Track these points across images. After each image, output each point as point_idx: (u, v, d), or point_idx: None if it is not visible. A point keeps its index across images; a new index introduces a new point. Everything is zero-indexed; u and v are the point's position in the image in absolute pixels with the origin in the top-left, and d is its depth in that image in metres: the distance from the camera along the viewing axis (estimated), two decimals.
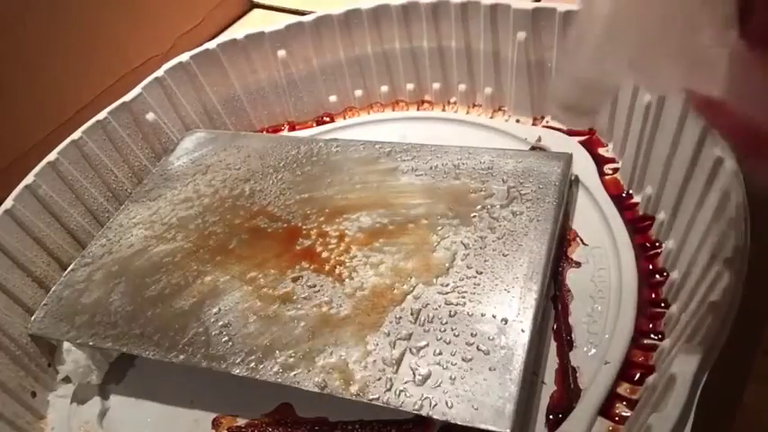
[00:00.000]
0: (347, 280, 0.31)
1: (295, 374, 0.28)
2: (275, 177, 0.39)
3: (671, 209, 0.31)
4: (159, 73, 0.44)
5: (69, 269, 0.37)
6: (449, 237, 0.32)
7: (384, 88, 0.46)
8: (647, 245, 0.32)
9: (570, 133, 0.40)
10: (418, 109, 0.46)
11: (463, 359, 0.27)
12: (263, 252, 0.34)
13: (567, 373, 0.29)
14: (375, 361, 0.27)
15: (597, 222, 0.34)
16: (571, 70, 0.18)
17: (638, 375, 0.27)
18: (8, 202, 0.36)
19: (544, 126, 0.41)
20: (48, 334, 0.34)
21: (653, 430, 0.19)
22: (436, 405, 0.26)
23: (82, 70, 0.48)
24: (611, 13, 0.16)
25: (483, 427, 0.25)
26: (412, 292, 0.30)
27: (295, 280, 0.32)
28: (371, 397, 0.26)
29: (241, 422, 0.31)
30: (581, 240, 0.34)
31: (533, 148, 0.39)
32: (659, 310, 0.30)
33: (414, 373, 0.27)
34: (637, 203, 0.34)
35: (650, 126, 0.32)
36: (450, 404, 0.25)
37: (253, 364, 0.29)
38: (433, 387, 0.26)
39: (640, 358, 0.28)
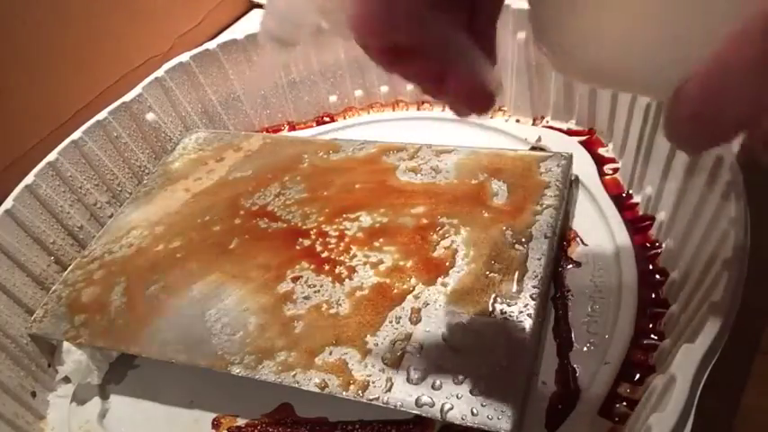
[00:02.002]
0: (347, 280, 0.31)
1: (295, 374, 0.28)
2: (275, 177, 0.39)
3: (671, 209, 0.31)
4: (159, 73, 0.44)
5: (69, 269, 0.37)
6: (449, 236, 0.32)
7: (384, 88, 0.46)
8: (647, 245, 0.32)
9: (570, 133, 0.40)
10: (418, 109, 0.46)
11: (463, 359, 0.27)
12: (263, 252, 0.34)
13: (567, 373, 0.29)
14: (375, 361, 0.27)
15: (597, 222, 0.34)
16: (273, 3, 0.20)
17: (638, 375, 0.27)
18: (8, 202, 0.36)
19: (544, 126, 0.41)
20: (48, 334, 0.34)
21: (653, 430, 0.19)
22: (436, 405, 0.26)
23: (82, 70, 0.48)
24: None
25: (483, 427, 0.25)
26: (412, 291, 0.30)
27: (295, 280, 0.32)
28: (371, 397, 0.26)
29: (241, 422, 0.31)
30: (581, 240, 0.34)
31: (533, 148, 0.39)
32: (659, 310, 0.29)
33: (413, 374, 0.27)
34: (637, 203, 0.34)
35: (650, 126, 0.32)
36: (450, 404, 0.25)
37: (253, 364, 0.29)
38: (433, 387, 0.26)
39: (640, 358, 0.28)
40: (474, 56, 0.19)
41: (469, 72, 0.19)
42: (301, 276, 0.32)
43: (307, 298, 0.31)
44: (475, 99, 0.20)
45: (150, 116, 0.43)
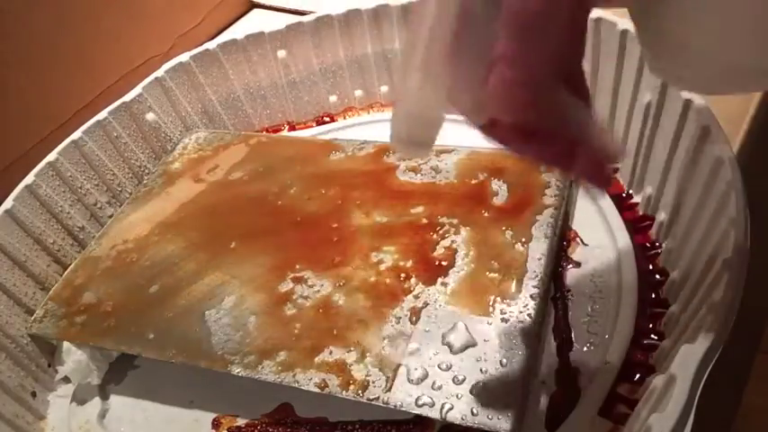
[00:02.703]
0: (347, 280, 0.31)
1: (295, 374, 0.28)
2: (275, 177, 0.39)
3: (671, 209, 0.31)
4: (159, 73, 0.44)
5: (69, 269, 0.37)
6: (449, 236, 0.32)
7: (384, 88, 0.46)
8: (647, 245, 0.32)
9: None
10: None
11: (463, 359, 0.27)
12: (263, 252, 0.34)
13: (567, 373, 0.29)
14: (375, 361, 0.28)
15: (597, 222, 0.34)
16: (401, 106, 0.19)
17: (638, 375, 0.27)
18: (8, 202, 0.36)
19: None
20: (48, 334, 0.34)
21: (653, 430, 0.19)
22: (436, 405, 0.26)
23: (82, 70, 0.48)
24: (427, 55, 0.17)
25: (483, 427, 0.25)
26: (412, 291, 0.30)
27: (295, 280, 0.32)
28: (371, 397, 0.26)
29: (241, 422, 0.31)
30: (581, 240, 0.34)
31: None
32: (659, 310, 0.29)
33: (413, 374, 0.27)
34: (637, 203, 0.34)
35: (650, 126, 0.32)
36: (450, 404, 0.25)
37: (253, 364, 0.29)
38: (433, 387, 0.26)
39: (640, 358, 0.28)
40: (598, 131, 0.19)
41: (596, 150, 0.19)
42: (301, 276, 0.32)
43: (307, 298, 0.31)
44: (601, 175, 0.20)
45: (150, 116, 0.43)
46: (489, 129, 0.19)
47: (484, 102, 0.17)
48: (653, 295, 0.30)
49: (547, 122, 0.18)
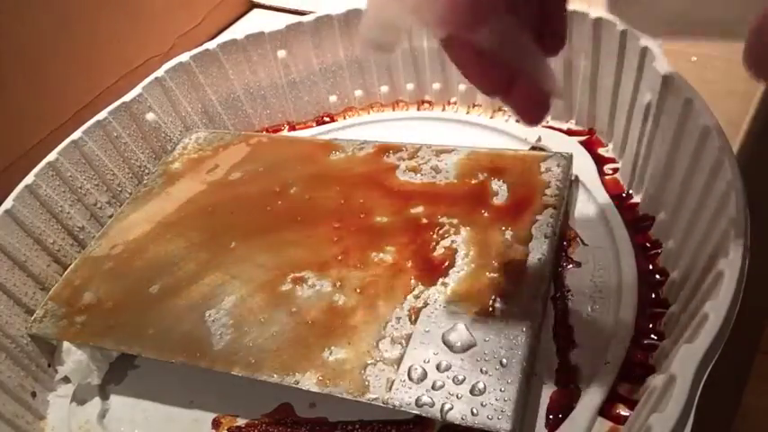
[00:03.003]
0: (347, 280, 0.31)
1: (295, 374, 0.28)
2: (275, 177, 0.39)
3: (671, 209, 0.31)
4: (159, 73, 0.44)
5: (69, 269, 0.37)
6: (449, 236, 0.32)
7: (384, 88, 0.46)
8: (647, 245, 0.32)
9: (570, 133, 0.40)
10: (418, 109, 0.46)
11: (463, 359, 0.27)
12: (263, 252, 0.34)
13: (567, 373, 0.29)
14: (375, 361, 0.28)
15: (597, 222, 0.34)
16: (371, 11, 0.21)
17: (638, 375, 0.27)
18: (8, 202, 0.36)
19: (544, 126, 0.41)
20: (48, 334, 0.34)
21: (653, 430, 0.19)
22: (436, 405, 0.26)
23: (82, 70, 0.48)
24: None
25: (483, 427, 0.25)
26: (412, 291, 0.30)
27: (295, 280, 0.32)
28: (371, 397, 0.26)
29: (241, 422, 0.31)
30: (581, 240, 0.34)
31: (533, 148, 0.39)
32: (659, 310, 0.29)
33: (413, 374, 0.27)
34: (637, 203, 0.34)
35: (650, 126, 0.32)
36: (450, 404, 0.25)
37: (253, 364, 0.29)
38: (433, 387, 0.26)
39: (640, 358, 0.28)
40: (542, 67, 0.21)
41: (535, 84, 0.21)
42: (302, 276, 0.32)
43: (307, 298, 0.31)
44: (533, 110, 0.22)
45: (150, 116, 0.43)
46: (448, 44, 0.21)
47: (443, 17, 0.19)
48: (653, 295, 0.30)
49: (492, 42, 0.20)
